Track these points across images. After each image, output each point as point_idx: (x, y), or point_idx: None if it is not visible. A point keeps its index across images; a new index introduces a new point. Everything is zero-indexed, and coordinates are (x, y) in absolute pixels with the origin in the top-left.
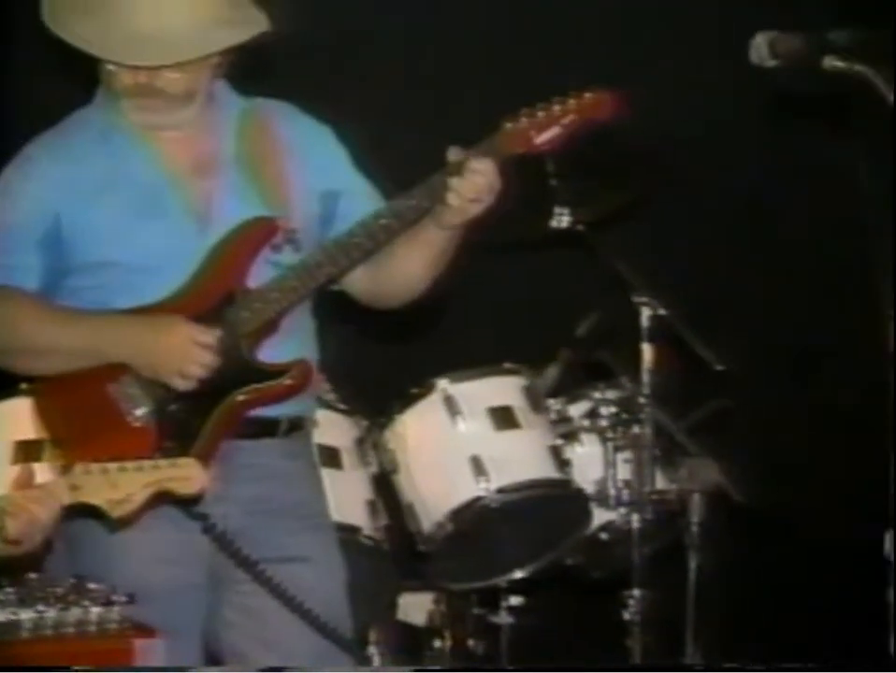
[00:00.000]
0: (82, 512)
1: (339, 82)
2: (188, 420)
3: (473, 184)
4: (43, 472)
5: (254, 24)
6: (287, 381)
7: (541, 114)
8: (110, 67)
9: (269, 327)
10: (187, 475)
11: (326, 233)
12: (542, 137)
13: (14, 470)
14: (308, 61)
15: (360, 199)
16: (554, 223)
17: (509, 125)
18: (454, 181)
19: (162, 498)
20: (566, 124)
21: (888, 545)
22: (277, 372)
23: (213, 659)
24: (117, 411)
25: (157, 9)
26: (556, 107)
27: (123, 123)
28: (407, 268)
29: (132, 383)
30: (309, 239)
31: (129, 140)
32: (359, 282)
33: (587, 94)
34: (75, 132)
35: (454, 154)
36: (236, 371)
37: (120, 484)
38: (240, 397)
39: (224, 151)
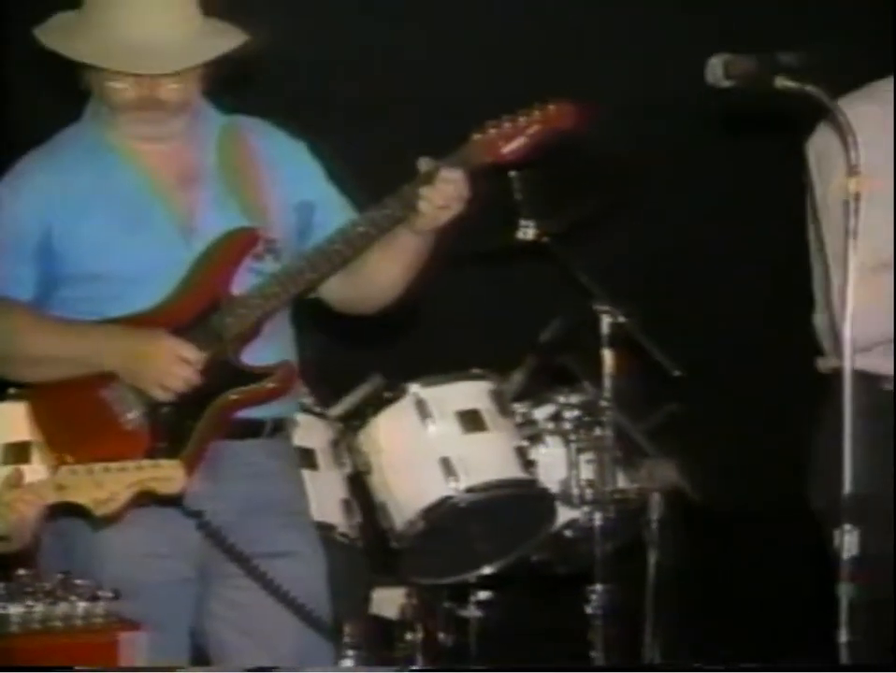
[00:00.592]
0: (68, 511)
1: (312, 99)
2: (179, 421)
3: (443, 192)
4: (33, 473)
5: (235, 36)
6: (272, 384)
7: (507, 125)
8: (112, 83)
9: (253, 332)
10: (169, 475)
11: (304, 242)
12: (509, 147)
13: (4, 471)
14: (281, 79)
15: (334, 210)
16: (520, 235)
17: (477, 136)
18: (425, 190)
19: (145, 497)
20: (531, 134)
21: (836, 541)
22: (262, 374)
23: (199, 652)
24: (110, 414)
25: (151, 23)
26: (522, 119)
27: (112, 139)
28: (381, 275)
29: (125, 388)
30: (287, 248)
31: (117, 155)
32: (335, 290)
33: (551, 106)
34: (65, 148)
35: (424, 164)
36: (223, 374)
37: (104, 484)
38: (231, 398)
39: (207, 165)
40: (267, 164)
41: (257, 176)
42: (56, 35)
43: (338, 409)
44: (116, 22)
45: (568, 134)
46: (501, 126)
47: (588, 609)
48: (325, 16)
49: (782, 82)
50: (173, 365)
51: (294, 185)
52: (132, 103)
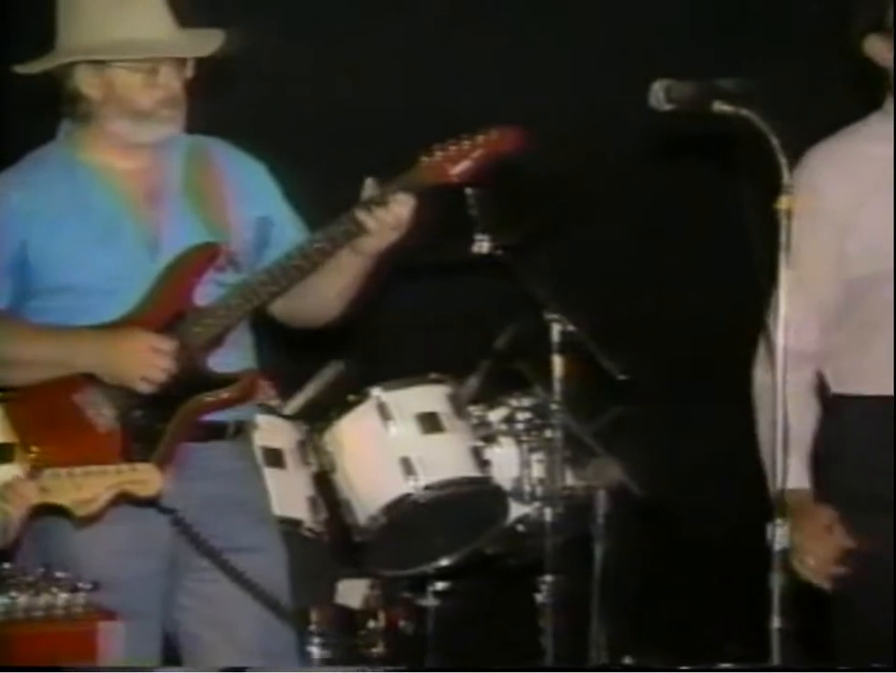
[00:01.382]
0: (50, 511)
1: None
2: (150, 424)
3: (394, 214)
4: (13, 472)
5: (214, 39)
6: (238, 389)
7: (453, 149)
8: (86, 87)
9: (217, 340)
10: (146, 479)
11: (261, 255)
12: (456, 170)
13: None
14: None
15: (289, 227)
16: (475, 249)
17: (425, 159)
18: (376, 211)
19: (123, 499)
20: (476, 157)
21: (769, 535)
22: (227, 381)
23: (170, 642)
24: (84, 417)
25: (147, 22)
26: (467, 143)
27: (83, 158)
28: (321, 294)
29: (97, 392)
30: (246, 261)
31: (89, 174)
32: (280, 305)
33: (493, 131)
34: (39, 167)
35: (371, 187)
36: (190, 380)
37: (85, 487)
38: (199, 402)
39: (173, 183)
40: (230, 182)
41: (220, 193)
42: (40, 60)
43: (300, 399)
44: (120, 22)
45: (511, 157)
46: (448, 150)
47: (539, 598)
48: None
49: (719, 107)
50: (152, 357)
51: (253, 203)
52: (147, 108)
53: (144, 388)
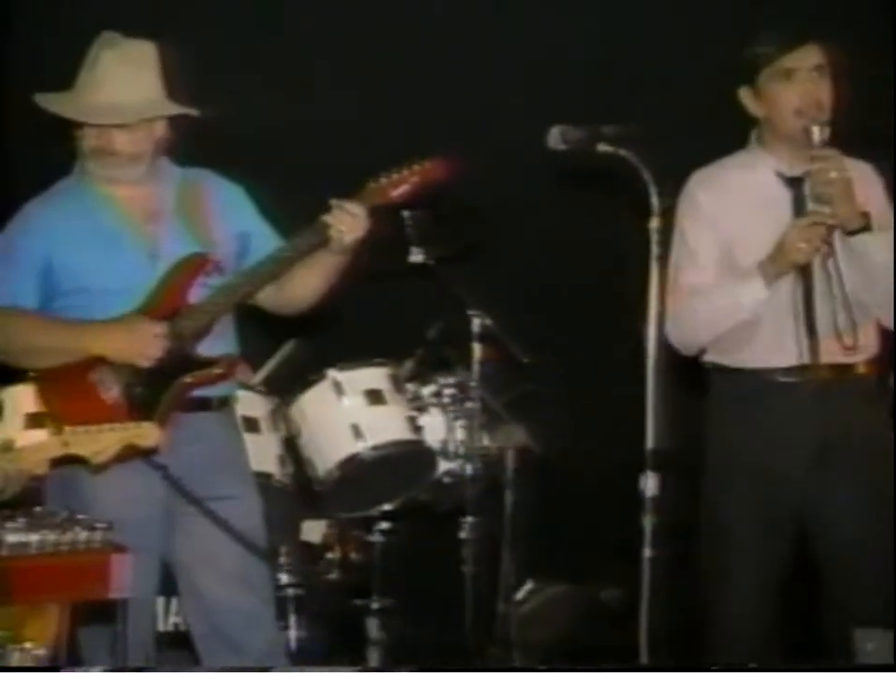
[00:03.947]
0: (71, 461)
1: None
2: (149, 397)
3: (348, 221)
4: (41, 436)
5: (181, 107)
6: (220, 369)
7: (394, 176)
8: (79, 132)
9: (205, 330)
10: (147, 433)
11: (241, 263)
12: (396, 192)
13: (25, 434)
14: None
15: (265, 239)
16: (411, 259)
17: (372, 184)
18: (334, 219)
19: (129, 450)
20: (413, 182)
21: (642, 484)
22: (212, 362)
23: (167, 569)
24: (97, 392)
25: (112, 88)
26: (405, 171)
27: (94, 188)
28: (303, 286)
29: (107, 371)
30: (229, 268)
31: (98, 199)
32: (269, 298)
33: (427, 162)
34: (59, 196)
35: (335, 202)
36: (183, 362)
37: (99, 440)
38: (188, 380)
39: (168, 206)
40: (214, 204)
41: (207, 213)
42: (49, 98)
43: (262, 372)
44: (89, 84)
45: (441, 183)
46: (390, 176)
47: (461, 535)
48: (253, 99)
49: (602, 147)
50: (150, 339)
51: (234, 220)
52: (95, 149)
53: (145, 363)
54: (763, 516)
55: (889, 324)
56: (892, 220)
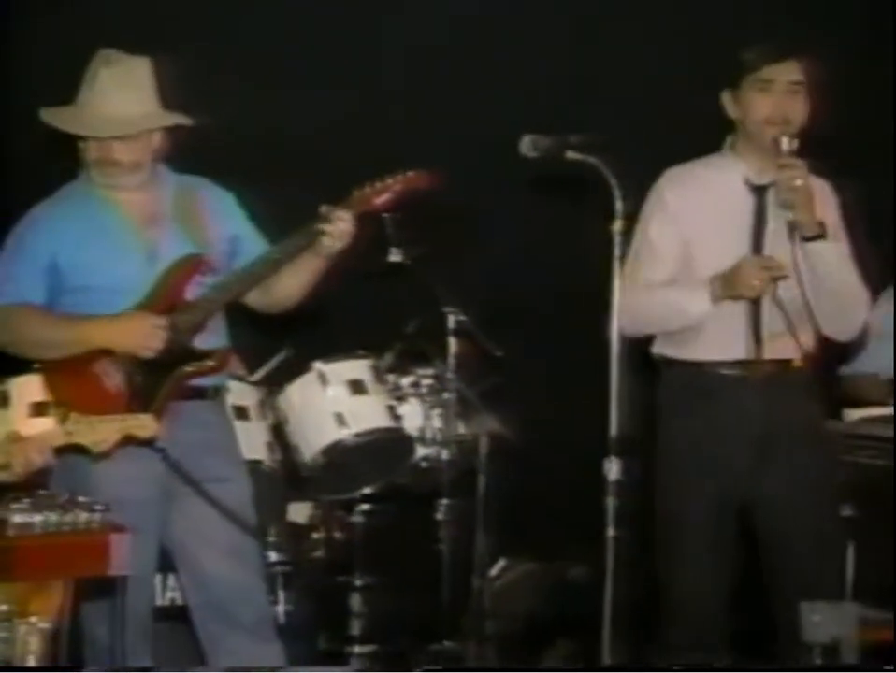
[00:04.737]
0: (73, 449)
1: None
2: (148, 387)
3: (338, 228)
4: (47, 424)
5: (175, 118)
6: (213, 361)
7: (378, 185)
8: (82, 144)
9: (201, 325)
10: (145, 425)
11: (232, 263)
12: (380, 200)
13: (30, 422)
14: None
15: (254, 242)
16: (391, 258)
17: (357, 192)
18: (325, 226)
19: (128, 440)
20: (395, 191)
21: (606, 468)
22: (206, 355)
23: (165, 549)
24: (100, 382)
25: (111, 103)
26: (389, 180)
27: (97, 192)
28: (288, 287)
29: (110, 363)
30: (222, 268)
31: (100, 202)
32: (256, 297)
33: (409, 173)
34: (66, 199)
35: (324, 209)
36: (179, 354)
37: (100, 430)
38: (185, 371)
39: (165, 210)
40: (208, 209)
41: (202, 217)
42: (53, 113)
43: (261, 372)
44: (90, 100)
45: (421, 191)
46: (374, 185)
47: (437, 517)
48: (247, 105)
49: (571, 155)
50: (151, 331)
51: (226, 224)
52: (95, 160)
53: (146, 354)
54: (711, 501)
55: (828, 332)
56: (843, 235)
